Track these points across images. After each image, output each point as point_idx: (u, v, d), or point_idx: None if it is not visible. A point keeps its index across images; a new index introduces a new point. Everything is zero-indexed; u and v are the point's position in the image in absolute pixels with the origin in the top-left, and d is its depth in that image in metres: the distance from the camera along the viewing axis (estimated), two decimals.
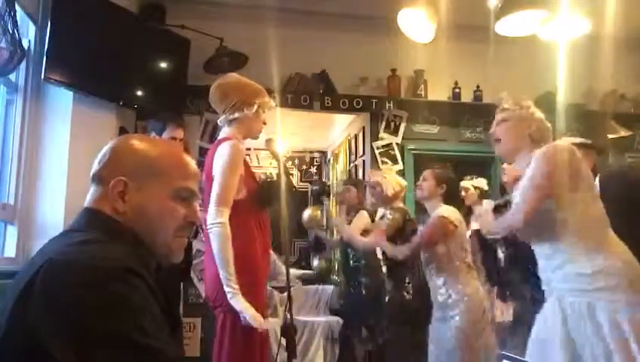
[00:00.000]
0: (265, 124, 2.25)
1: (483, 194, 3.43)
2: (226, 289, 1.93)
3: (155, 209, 1.00)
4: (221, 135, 2.21)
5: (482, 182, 3.49)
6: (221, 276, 1.94)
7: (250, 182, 2.15)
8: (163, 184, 1.01)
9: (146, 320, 0.83)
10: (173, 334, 0.98)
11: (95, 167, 1.02)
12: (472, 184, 3.43)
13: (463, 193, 3.32)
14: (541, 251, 1.84)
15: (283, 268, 2.20)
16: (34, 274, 0.83)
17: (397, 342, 3.08)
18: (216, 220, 1.96)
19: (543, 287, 1.87)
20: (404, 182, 3.31)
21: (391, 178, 3.25)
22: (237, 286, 1.93)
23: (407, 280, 3.09)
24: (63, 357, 0.77)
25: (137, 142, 1.05)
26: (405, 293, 3.07)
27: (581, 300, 1.68)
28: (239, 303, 1.91)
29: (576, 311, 1.69)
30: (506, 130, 1.93)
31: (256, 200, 2.15)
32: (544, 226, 1.78)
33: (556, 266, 1.77)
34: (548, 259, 1.81)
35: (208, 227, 1.98)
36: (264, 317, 2.04)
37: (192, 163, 1.09)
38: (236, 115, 2.15)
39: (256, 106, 2.17)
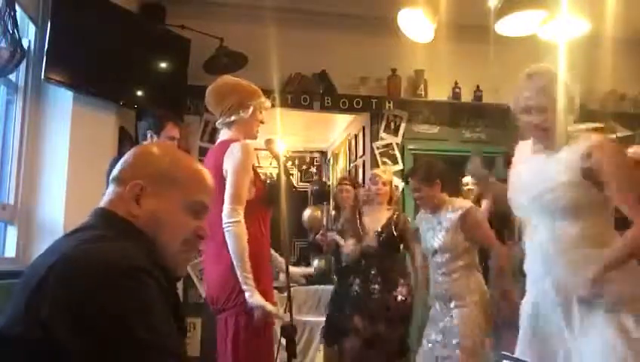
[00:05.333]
0: (263, 123, 2.26)
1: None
2: (245, 287, 1.95)
3: (167, 217, 1.01)
4: (222, 137, 2.21)
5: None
6: (239, 275, 1.95)
7: (258, 183, 2.16)
8: (179, 194, 1.02)
9: (156, 318, 0.84)
10: (181, 335, 0.99)
11: (116, 169, 1.04)
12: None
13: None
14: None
15: (282, 265, 2.20)
16: (47, 270, 0.84)
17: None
18: (231, 219, 1.97)
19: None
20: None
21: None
22: (254, 284, 1.96)
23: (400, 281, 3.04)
24: (74, 353, 0.78)
25: (160, 150, 1.08)
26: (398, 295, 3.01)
27: None
28: (258, 300, 1.95)
29: None
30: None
31: (265, 200, 2.15)
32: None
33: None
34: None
35: (224, 226, 1.98)
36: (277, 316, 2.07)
37: (209, 177, 1.10)
38: (233, 117, 2.16)
39: (252, 108, 2.17)
